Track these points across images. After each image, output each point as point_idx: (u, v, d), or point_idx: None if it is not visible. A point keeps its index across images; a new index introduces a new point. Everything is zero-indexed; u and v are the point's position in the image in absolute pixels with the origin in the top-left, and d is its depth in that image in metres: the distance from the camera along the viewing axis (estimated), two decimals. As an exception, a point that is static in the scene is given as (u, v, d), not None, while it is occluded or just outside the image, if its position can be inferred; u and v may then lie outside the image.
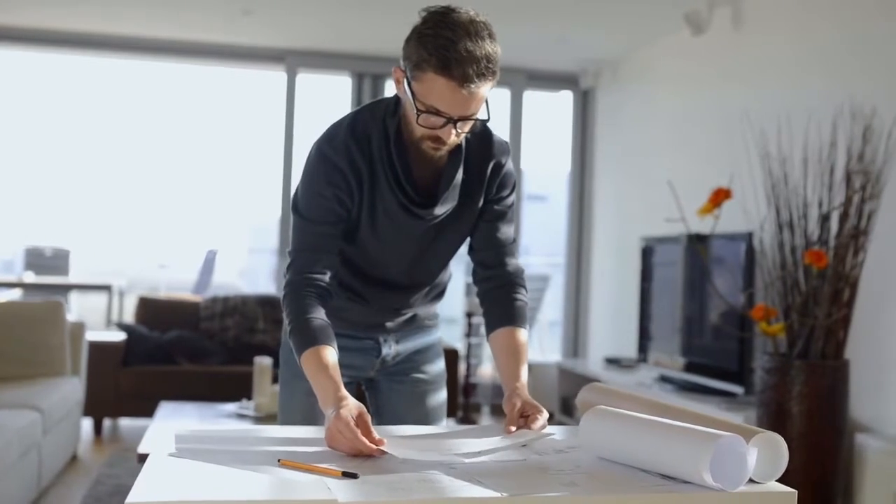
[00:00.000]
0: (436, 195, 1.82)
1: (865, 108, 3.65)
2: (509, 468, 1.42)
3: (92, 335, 5.31)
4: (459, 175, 1.84)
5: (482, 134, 1.86)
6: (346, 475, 1.32)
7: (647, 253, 5.39)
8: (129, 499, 1.19)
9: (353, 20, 5.77)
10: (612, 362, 5.78)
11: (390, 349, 2.03)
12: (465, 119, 1.68)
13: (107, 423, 5.54)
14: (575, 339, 6.95)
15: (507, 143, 1.92)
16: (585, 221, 6.90)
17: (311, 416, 1.91)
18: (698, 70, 5.34)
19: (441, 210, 1.83)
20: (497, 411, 6.36)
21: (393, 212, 1.81)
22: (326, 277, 1.80)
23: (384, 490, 1.26)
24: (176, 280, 10.81)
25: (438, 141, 1.71)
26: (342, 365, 1.83)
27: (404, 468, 1.39)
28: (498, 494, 1.25)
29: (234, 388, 5.19)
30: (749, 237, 4.20)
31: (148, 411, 5.19)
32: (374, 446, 1.47)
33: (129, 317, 7.43)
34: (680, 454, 1.33)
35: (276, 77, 6.66)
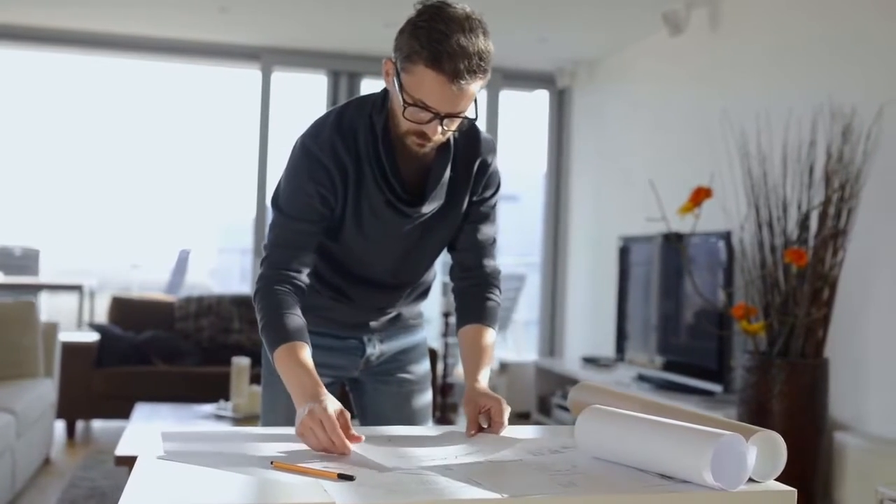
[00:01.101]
0: (423, 193, 1.79)
1: (845, 107, 3.67)
2: (506, 468, 1.40)
3: (64, 336, 5.23)
4: (447, 173, 1.81)
5: (470, 132, 1.84)
6: (342, 477, 1.29)
7: (624, 252, 5.39)
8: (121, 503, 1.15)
9: (330, 18, 5.73)
10: (590, 361, 5.79)
11: (375, 349, 2.01)
12: (452, 116, 1.65)
13: (79, 424, 5.46)
14: (551, 338, 6.95)
15: (494, 141, 1.90)
16: (561, 221, 6.90)
17: (294, 417, 1.88)
18: (676, 70, 5.35)
19: (428, 208, 1.80)
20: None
21: (379, 209, 1.78)
22: (302, 276, 1.77)
23: (382, 492, 1.23)
24: (148, 280, 10.69)
25: (423, 137, 1.68)
26: (325, 365, 1.80)
27: (399, 469, 1.36)
28: (498, 495, 1.23)
29: (209, 388, 5.13)
30: (728, 236, 4.21)
31: (122, 413, 5.13)
32: (349, 444, 1.45)
33: (100, 317, 7.34)
34: (680, 453, 1.32)
35: (251, 75, 6.60)
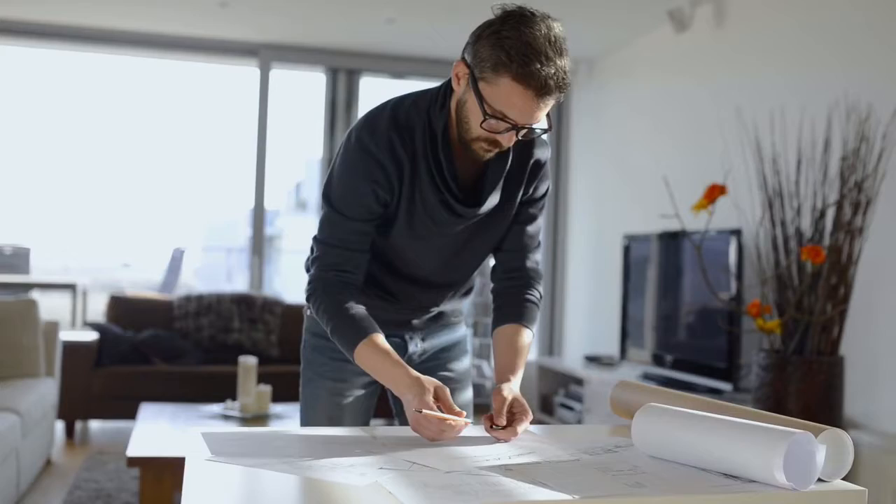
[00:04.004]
0: (478, 193, 1.75)
1: (860, 103, 3.65)
2: (566, 469, 1.37)
3: (64, 335, 5.16)
4: (503, 175, 1.78)
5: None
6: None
7: (628, 250, 5.37)
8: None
9: (329, 14, 5.68)
10: (592, 360, 5.76)
11: (417, 347, 1.97)
12: (528, 127, 1.62)
13: (77, 425, 5.39)
14: (551, 336, 6.93)
15: (547, 142, 1.86)
16: (561, 218, 6.88)
17: (336, 416, 1.85)
18: (681, 67, 5.34)
19: (484, 209, 1.76)
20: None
21: (433, 209, 1.74)
22: (358, 275, 1.74)
23: (450, 493, 1.19)
24: (139, 279, 10.62)
25: (495, 144, 1.65)
26: None
27: (455, 471, 1.33)
28: (569, 497, 1.20)
29: (211, 388, 5.09)
30: (739, 233, 4.19)
31: (122, 413, 5.07)
32: (461, 425, 1.51)
33: (93, 316, 7.26)
34: (750, 452, 1.29)
35: (248, 72, 6.55)
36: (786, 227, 3.68)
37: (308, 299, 1.76)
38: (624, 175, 5.97)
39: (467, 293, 2.01)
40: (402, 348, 1.96)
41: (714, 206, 3.76)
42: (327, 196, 1.75)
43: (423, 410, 1.51)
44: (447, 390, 1.55)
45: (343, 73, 6.51)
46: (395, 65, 6.56)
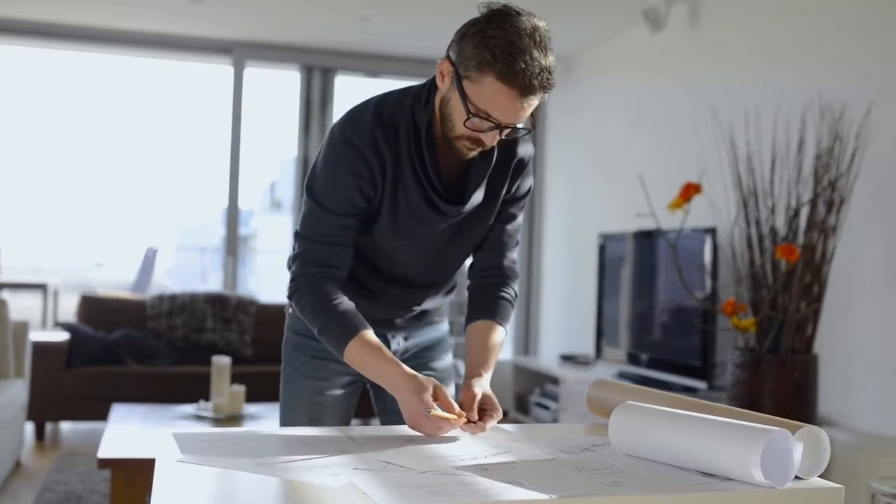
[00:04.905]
0: (462, 191, 1.74)
1: (834, 103, 3.67)
2: (542, 468, 1.35)
3: (34, 335, 5.09)
4: (487, 174, 1.77)
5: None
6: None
7: (604, 249, 5.38)
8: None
9: (304, 12, 5.64)
10: (568, 359, 5.76)
11: (399, 345, 1.96)
12: (512, 127, 1.61)
13: (48, 426, 5.32)
14: (527, 335, 6.92)
15: (530, 140, 1.86)
16: (537, 216, 6.88)
17: (316, 415, 1.83)
18: (657, 67, 5.35)
19: (468, 207, 1.76)
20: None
21: (417, 206, 1.72)
22: (342, 273, 1.73)
23: (424, 494, 1.18)
24: (111, 279, 10.52)
25: (479, 143, 1.64)
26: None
27: (431, 471, 1.31)
28: (546, 496, 1.18)
29: (184, 388, 5.04)
30: (714, 232, 4.21)
31: (93, 414, 5.01)
32: (458, 420, 1.51)
33: (64, 316, 7.18)
34: (728, 450, 1.28)
35: (222, 70, 6.49)
36: (760, 225, 3.69)
37: (291, 297, 1.74)
38: (600, 174, 5.98)
39: (450, 292, 2.00)
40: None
41: (689, 205, 3.77)
42: (310, 189, 1.73)
43: (432, 412, 1.52)
44: (444, 388, 1.55)
45: (318, 71, 6.47)
46: (370, 63, 6.53)
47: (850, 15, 3.83)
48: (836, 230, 3.51)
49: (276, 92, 7.24)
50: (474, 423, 1.57)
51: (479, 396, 1.61)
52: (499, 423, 1.65)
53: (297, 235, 1.76)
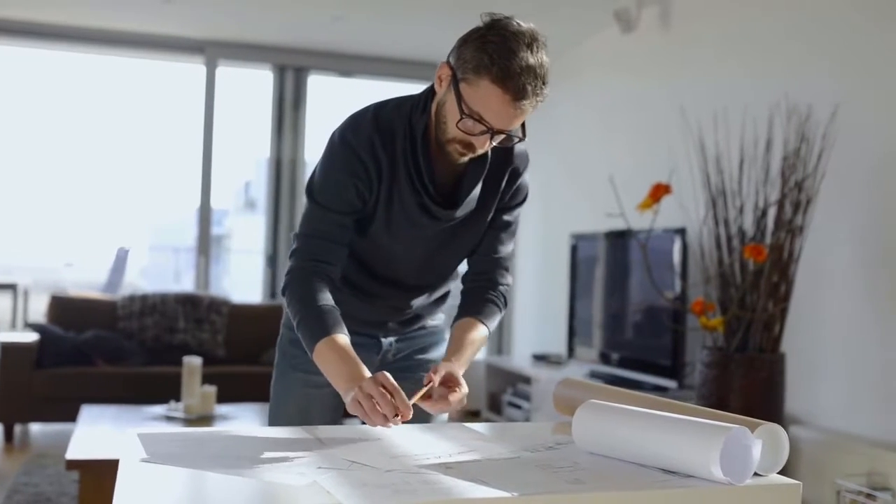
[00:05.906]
0: (455, 197, 1.78)
1: (801, 104, 3.72)
2: (505, 466, 1.36)
3: (4, 336, 5.05)
4: (481, 182, 1.80)
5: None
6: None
7: (576, 249, 5.40)
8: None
9: (277, 11, 5.63)
10: (540, 359, 5.79)
11: (391, 346, 1.99)
12: (504, 133, 1.64)
13: (17, 428, 5.27)
14: (500, 335, 6.94)
15: (527, 153, 1.90)
16: (510, 218, 6.88)
17: (305, 407, 1.86)
18: (628, 68, 5.38)
19: (460, 213, 1.79)
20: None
21: (411, 210, 1.76)
22: (334, 268, 1.76)
23: (388, 492, 1.19)
24: (82, 279, 10.43)
25: (469, 147, 1.67)
26: None
27: (396, 470, 1.32)
28: (508, 494, 1.19)
29: (155, 389, 5.01)
30: (683, 232, 4.24)
31: (63, 415, 4.97)
32: (401, 409, 1.51)
33: (34, 317, 7.11)
34: (688, 448, 1.30)
35: (194, 70, 6.46)
36: (729, 225, 3.73)
37: (283, 291, 1.77)
38: (571, 174, 6.00)
39: (443, 298, 2.02)
40: (376, 347, 1.97)
41: (659, 206, 3.80)
42: (310, 190, 1.78)
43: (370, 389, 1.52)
44: (390, 377, 1.55)
45: (290, 70, 6.46)
46: (342, 63, 6.52)
47: (818, 18, 3.88)
48: (802, 230, 3.55)
49: (249, 91, 7.21)
50: (443, 400, 1.61)
51: (442, 373, 1.64)
52: (469, 423, 1.67)
53: (295, 236, 1.80)
